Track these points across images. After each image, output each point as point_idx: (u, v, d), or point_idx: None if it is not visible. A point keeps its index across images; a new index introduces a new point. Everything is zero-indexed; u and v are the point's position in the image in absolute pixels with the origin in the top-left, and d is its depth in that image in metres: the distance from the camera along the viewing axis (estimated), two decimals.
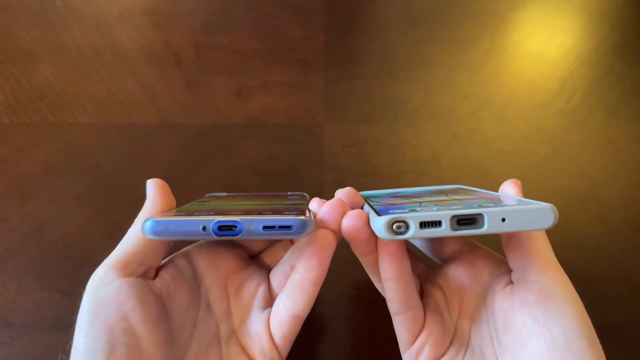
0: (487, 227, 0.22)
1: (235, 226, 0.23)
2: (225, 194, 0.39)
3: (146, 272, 0.26)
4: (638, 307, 0.40)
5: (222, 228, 0.23)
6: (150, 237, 0.23)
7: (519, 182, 0.28)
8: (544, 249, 0.26)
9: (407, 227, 0.22)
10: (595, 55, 0.49)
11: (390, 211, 0.24)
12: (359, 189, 0.33)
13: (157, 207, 0.28)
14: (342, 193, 0.28)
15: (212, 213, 0.24)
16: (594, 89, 0.48)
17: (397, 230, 0.22)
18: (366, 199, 0.31)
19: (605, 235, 0.43)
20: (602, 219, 0.43)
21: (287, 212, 0.25)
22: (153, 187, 0.29)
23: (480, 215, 0.22)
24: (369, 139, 0.45)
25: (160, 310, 0.25)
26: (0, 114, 0.45)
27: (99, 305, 0.24)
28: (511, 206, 0.22)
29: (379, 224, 0.23)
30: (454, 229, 0.22)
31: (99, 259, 0.26)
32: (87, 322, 0.23)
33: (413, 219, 0.22)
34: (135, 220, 0.28)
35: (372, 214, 0.24)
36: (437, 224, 0.22)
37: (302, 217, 0.23)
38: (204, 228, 0.23)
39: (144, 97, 0.46)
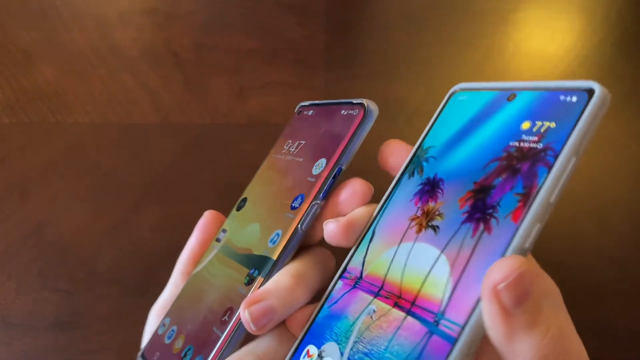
0: None
1: None
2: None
3: None
4: (638, 306, 0.40)
5: None
6: None
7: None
8: None
9: None
10: (595, 54, 0.49)
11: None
12: None
13: (190, 252, 0.29)
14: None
15: None
16: None
17: None
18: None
19: (605, 235, 0.43)
20: (602, 218, 0.43)
21: None
22: (197, 226, 0.30)
23: None
24: (369, 139, 0.45)
25: None
26: (0, 113, 0.45)
27: None
28: None
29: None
30: None
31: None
32: None
33: None
34: (177, 263, 0.30)
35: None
36: None
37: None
38: None
39: (144, 97, 0.46)
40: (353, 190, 0.25)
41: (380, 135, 0.47)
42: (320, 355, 0.21)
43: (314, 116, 0.30)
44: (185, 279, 0.29)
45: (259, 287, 0.23)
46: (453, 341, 0.17)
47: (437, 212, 0.21)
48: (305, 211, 0.25)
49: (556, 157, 0.18)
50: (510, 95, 0.22)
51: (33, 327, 0.38)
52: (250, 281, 0.24)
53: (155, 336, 0.28)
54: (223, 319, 0.24)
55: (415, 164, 0.24)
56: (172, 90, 0.46)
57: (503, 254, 0.17)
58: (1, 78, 0.46)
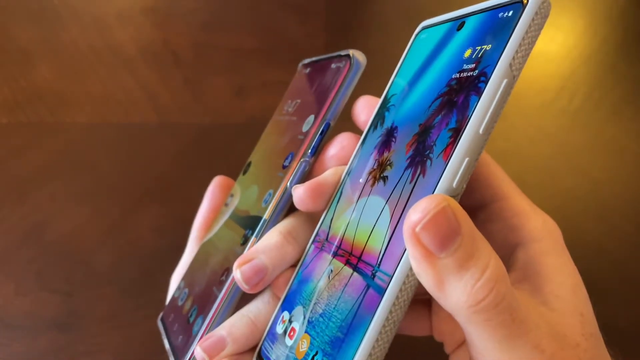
0: None
1: None
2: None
3: None
4: (638, 306, 0.40)
5: None
6: None
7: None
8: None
9: None
10: (597, 54, 0.49)
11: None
12: None
13: (202, 218, 0.30)
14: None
15: None
16: (595, 89, 0.48)
17: None
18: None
19: (606, 235, 0.43)
20: (604, 218, 0.43)
21: None
22: (207, 192, 0.31)
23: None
24: None
25: None
26: None
27: None
28: None
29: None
30: None
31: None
32: None
33: None
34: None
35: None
36: None
37: None
38: None
39: (143, 96, 0.46)
40: (341, 145, 0.24)
41: None
42: (290, 321, 0.20)
43: (311, 73, 0.30)
44: (198, 244, 0.29)
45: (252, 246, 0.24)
46: (382, 291, 0.16)
47: (388, 162, 0.20)
48: (294, 169, 0.25)
49: (487, 82, 0.16)
50: (460, 24, 0.20)
51: (31, 328, 0.38)
52: (244, 241, 0.24)
53: (172, 299, 0.29)
54: (221, 279, 0.24)
55: (379, 116, 0.23)
56: (171, 90, 0.46)
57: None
58: (0, 78, 0.46)
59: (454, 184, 0.16)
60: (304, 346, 0.18)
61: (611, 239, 0.42)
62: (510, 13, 0.17)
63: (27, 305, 0.39)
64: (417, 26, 0.26)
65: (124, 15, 0.49)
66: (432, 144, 0.18)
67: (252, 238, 0.24)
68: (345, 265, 0.19)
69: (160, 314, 0.29)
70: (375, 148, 0.22)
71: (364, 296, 0.17)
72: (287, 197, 0.24)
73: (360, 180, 0.21)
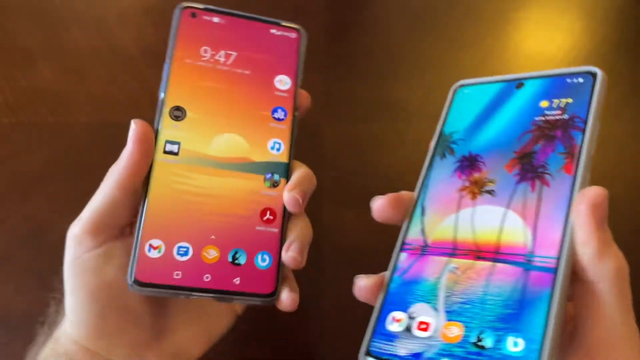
0: None
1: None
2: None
3: (122, 231, 0.27)
4: (637, 307, 0.40)
5: None
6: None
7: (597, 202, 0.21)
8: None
9: None
10: (595, 55, 0.49)
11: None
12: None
13: (132, 165, 0.27)
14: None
15: None
16: None
17: None
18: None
19: None
20: None
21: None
22: (134, 138, 0.27)
23: None
24: (369, 139, 0.45)
25: None
26: None
27: (82, 272, 0.26)
28: None
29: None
30: None
31: None
32: (70, 287, 0.26)
33: None
34: (107, 175, 0.28)
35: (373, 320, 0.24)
36: None
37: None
38: None
39: (144, 97, 0.46)
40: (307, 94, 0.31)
41: (381, 136, 0.47)
42: (411, 317, 0.22)
43: (227, 26, 0.31)
44: (125, 194, 0.27)
45: (285, 184, 0.29)
46: (553, 270, 0.20)
47: (486, 180, 0.25)
48: (292, 122, 0.30)
49: (585, 121, 0.23)
50: (518, 84, 0.27)
51: (31, 328, 0.38)
52: (274, 184, 0.29)
53: (149, 259, 0.26)
54: (266, 218, 0.28)
55: (442, 148, 0.28)
56: None
57: (570, 197, 0.22)
58: (1, 78, 0.46)
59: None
60: (454, 331, 0.21)
61: None
62: (581, 80, 0.24)
63: (27, 305, 0.39)
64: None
65: (124, 16, 0.49)
66: (542, 164, 0.24)
67: (281, 179, 0.29)
68: (475, 260, 0.23)
69: (131, 279, 0.26)
70: (455, 171, 0.26)
71: (526, 278, 0.21)
72: (294, 144, 0.30)
73: (449, 196, 0.26)
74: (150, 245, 0.26)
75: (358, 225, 0.41)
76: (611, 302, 0.20)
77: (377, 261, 0.41)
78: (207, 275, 0.26)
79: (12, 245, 0.41)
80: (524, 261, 0.21)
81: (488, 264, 0.22)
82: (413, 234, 0.26)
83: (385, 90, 0.47)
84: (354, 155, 0.45)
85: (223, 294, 0.27)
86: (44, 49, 0.47)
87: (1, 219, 0.42)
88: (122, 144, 0.44)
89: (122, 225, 0.27)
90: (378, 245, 0.41)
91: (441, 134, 0.28)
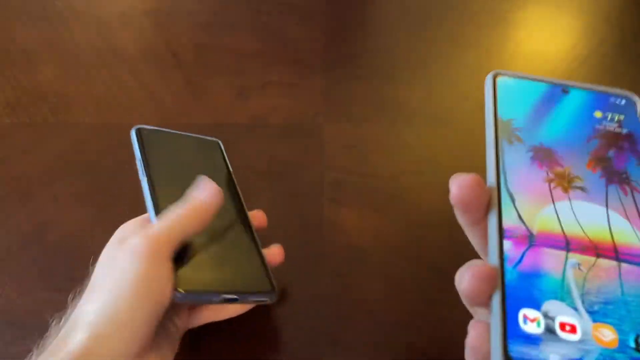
0: None
1: None
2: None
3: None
4: None
5: None
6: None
7: None
8: None
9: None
10: (595, 55, 0.49)
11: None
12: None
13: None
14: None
15: None
16: None
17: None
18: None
19: None
20: None
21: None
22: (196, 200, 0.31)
23: None
24: (369, 139, 0.46)
25: None
26: (1, 114, 0.45)
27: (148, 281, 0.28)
28: None
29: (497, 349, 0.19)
30: None
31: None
32: (132, 289, 0.28)
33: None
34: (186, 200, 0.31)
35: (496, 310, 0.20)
36: None
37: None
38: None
39: (145, 97, 0.46)
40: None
41: (381, 136, 0.47)
42: (547, 316, 0.20)
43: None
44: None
45: None
46: None
47: (572, 176, 0.24)
48: None
49: None
50: (562, 89, 0.27)
51: (34, 327, 0.39)
52: None
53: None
54: None
55: (506, 133, 0.26)
56: (173, 91, 0.47)
57: None
58: (2, 78, 0.47)
59: None
60: (608, 335, 0.19)
61: None
62: (624, 102, 0.26)
63: (29, 305, 0.39)
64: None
65: (126, 17, 0.49)
66: (621, 172, 0.24)
67: None
68: (597, 258, 0.22)
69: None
70: (533, 159, 0.25)
71: None
72: None
73: (537, 185, 0.24)
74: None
75: (358, 225, 0.41)
76: None
77: (377, 261, 0.41)
78: None
79: (13, 245, 0.41)
80: None
81: (613, 262, 0.21)
82: (510, 221, 0.23)
83: (385, 90, 0.47)
84: (354, 155, 0.45)
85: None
86: (46, 50, 0.47)
87: (2, 218, 0.42)
88: (122, 144, 0.45)
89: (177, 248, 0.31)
90: (378, 245, 0.41)
91: (499, 118, 0.26)
